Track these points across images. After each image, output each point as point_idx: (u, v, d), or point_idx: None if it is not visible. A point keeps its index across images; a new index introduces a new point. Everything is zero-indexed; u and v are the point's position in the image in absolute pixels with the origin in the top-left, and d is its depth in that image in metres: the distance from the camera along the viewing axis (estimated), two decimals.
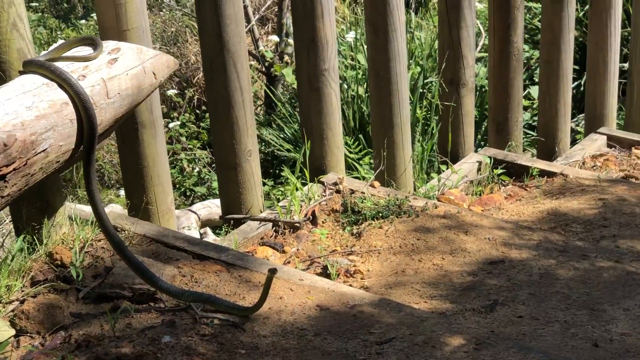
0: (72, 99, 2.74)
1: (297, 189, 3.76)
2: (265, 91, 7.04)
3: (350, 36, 6.58)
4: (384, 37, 3.87)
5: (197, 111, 7.34)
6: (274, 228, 3.61)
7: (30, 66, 2.79)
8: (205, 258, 3.09)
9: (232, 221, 3.69)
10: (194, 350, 2.50)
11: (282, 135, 6.24)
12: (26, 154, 2.57)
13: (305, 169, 3.86)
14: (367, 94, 5.91)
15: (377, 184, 3.90)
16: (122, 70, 2.93)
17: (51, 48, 2.99)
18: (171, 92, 7.25)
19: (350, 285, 3.15)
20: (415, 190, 4.23)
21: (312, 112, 3.85)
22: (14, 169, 2.55)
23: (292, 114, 6.27)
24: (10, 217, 3.20)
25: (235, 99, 3.54)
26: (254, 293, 2.87)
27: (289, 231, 3.60)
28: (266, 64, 7.05)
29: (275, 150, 6.11)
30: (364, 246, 3.44)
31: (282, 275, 3.00)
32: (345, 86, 5.99)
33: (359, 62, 6.30)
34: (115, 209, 4.62)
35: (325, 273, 3.28)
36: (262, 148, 6.11)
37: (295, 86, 6.79)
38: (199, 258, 3.10)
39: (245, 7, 6.61)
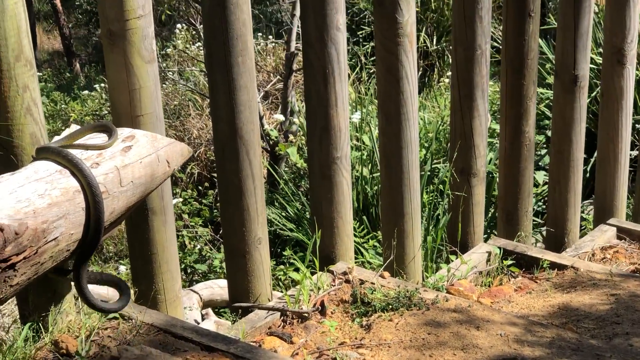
0: (83, 187, 2.70)
1: (306, 278, 3.70)
2: (267, 169, 7.03)
3: (355, 117, 6.57)
4: (396, 126, 3.84)
5: (199, 187, 7.30)
6: (282, 317, 3.55)
7: (44, 153, 2.76)
8: (213, 350, 3.02)
9: (240, 309, 3.63)
10: None
11: (284, 214, 6.20)
12: (37, 243, 2.53)
13: (315, 258, 3.81)
14: (371, 175, 5.89)
15: (386, 274, 3.84)
16: (136, 158, 2.90)
17: (64, 134, 2.96)
18: None
19: None
20: (423, 279, 4.18)
21: (323, 200, 3.81)
22: (24, 258, 2.51)
23: (295, 193, 6.24)
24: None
25: (247, 187, 3.51)
26: None
27: (298, 321, 3.54)
28: (271, 142, 7.04)
29: (277, 230, 6.06)
30: (373, 339, 3.38)
31: None
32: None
33: (363, 143, 6.29)
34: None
35: None
36: None
37: (299, 165, 6.80)
38: (208, 349, 3.04)
39: None
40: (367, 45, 9.31)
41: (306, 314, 3.54)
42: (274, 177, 6.58)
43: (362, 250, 5.27)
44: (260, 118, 7.17)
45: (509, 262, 4.29)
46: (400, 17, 3.69)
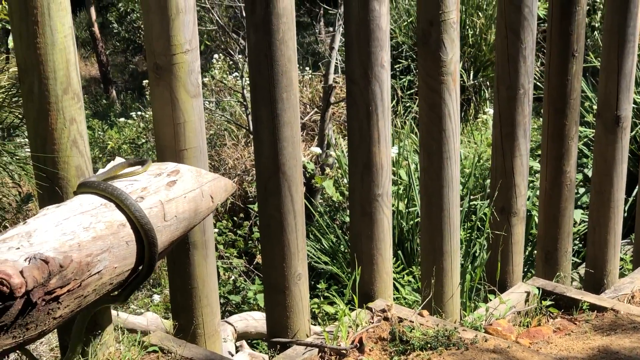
0: (130, 221, 2.71)
1: (344, 315, 3.69)
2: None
3: (393, 151, 6.54)
4: (438, 164, 3.83)
5: (234, 218, 7.30)
6: (320, 354, 3.53)
7: (88, 187, 2.77)
8: None
9: (278, 344, 3.62)
10: None
11: (318, 246, 6.19)
12: (81, 276, 2.53)
13: (354, 295, 3.80)
14: (407, 210, 5.87)
15: (425, 313, 3.82)
16: (180, 193, 2.90)
17: (108, 167, 2.98)
18: None
19: None
20: (461, 318, 4.15)
21: (363, 236, 3.79)
22: (68, 291, 2.51)
23: (330, 226, 6.23)
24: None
25: (288, 222, 3.50)
26: None
27: (336, 358, 3.51)
28: (307, 175, 7.04)
29: (312, 262, 6.04)
30: None
31: None
32: None
33: (400, 177, 6.27)
34: (154, 320, 4.55)
35: None
36: None
37: (334, 198, 6.79)
38: None
39: None
40: (404, 79, 9.31)
41: (344, 351, 3.52)
42: (309, 210, 6.57)
43: (398, 285, 5.24)
44: None
45: (548, 302, 4.25)
46: (444, 56, 3.69)
